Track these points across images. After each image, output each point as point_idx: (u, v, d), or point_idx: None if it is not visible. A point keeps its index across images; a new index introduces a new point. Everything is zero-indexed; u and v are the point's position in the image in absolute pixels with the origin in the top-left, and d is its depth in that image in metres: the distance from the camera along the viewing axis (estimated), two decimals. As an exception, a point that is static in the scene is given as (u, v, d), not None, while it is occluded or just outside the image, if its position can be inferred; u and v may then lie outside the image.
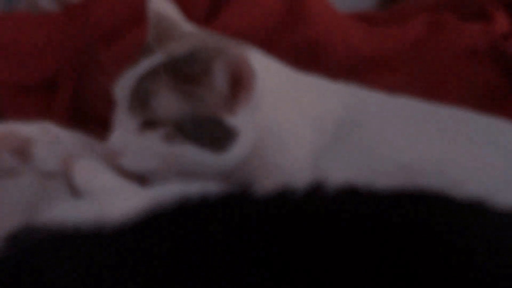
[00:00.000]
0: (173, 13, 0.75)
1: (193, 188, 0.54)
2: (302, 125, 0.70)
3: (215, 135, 0.65)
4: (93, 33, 0.93)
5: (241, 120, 0.66)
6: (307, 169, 0.67)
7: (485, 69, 0.97)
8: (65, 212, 0.57)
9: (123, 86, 0.66)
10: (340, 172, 0.65)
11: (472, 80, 0.96)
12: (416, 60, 0.99)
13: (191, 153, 0.64)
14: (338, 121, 0.71)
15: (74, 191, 0.67)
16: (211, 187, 0.55)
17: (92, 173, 0.67)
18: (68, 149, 0.71)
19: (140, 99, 0.64)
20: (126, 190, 0.63)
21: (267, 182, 0.65)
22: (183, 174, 0.67)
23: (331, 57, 0.98)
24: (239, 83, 0.64)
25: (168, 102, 0.64)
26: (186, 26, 0.75)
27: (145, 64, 0.66)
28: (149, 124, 0.65)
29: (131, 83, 0.65)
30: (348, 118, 0.70)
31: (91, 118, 0.89)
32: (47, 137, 0.70)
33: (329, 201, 0.48)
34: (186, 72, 0.64)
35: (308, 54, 0.99)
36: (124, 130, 0.66)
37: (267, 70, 0.72)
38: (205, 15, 1.04)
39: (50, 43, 0.90)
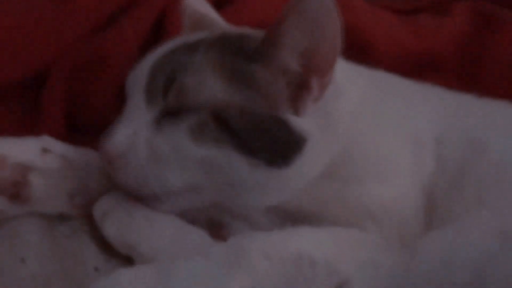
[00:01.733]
0: (210, 11, 0.60)
1: None
2: (397, 145, 0.53)
3: (273, 139, 0.45)
4: (87, 17, 0.71)
5: (310, 123, 0.47)
6: (419, 208, 0.50)
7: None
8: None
9: (140, 68, 0.47)
10: (467, 213, 0.48)
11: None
12: (467, 58, 0.86)
13: (232, 162, 0.45)
14: (442, 141, 0.55)
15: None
16: None
17: (129, 219, 0.45)
18: (81, 178, 0.49)
19: (163, 78, 0.45)
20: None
21: (365, 226, 0.48)
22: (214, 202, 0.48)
23: (374, 53, 0.83)
24: (316, 62, 0.46)
25: (206, 81, 0.44)
26: (227, 26, 0.59)
27: (176, 41, 0.49)
28: (171, 115, 0.45)
29: (152, 62, 0.47)
30: (460, 138, 0.54)
31: (91, 127, 0.67)
32: (47, 162, 0.48)
33: None
34: (239, 46, 0.46)
35: (353, 53, 0.83)
36: (132, 124, 0.46)
37: (344, 70, 0.54)
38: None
39: (34, 29, 0.66)
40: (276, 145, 0.45)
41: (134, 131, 0.45)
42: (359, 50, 0.82)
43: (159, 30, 0.75)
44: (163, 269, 0.40)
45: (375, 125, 0.53)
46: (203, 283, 0.39)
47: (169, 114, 0.45)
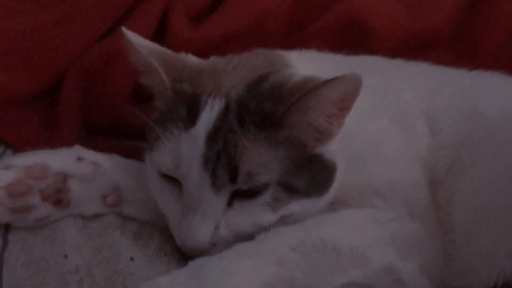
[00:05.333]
0: (156, 46, 0.60)
1: None
2: (388, 126, 0.62)
3: (317, 176, 0.54)
4: (92, 24, 0.77)
5: (334, 148, 0.55)
6: (421, 181, 0.58)
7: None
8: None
9: (186, 157, 0.51)
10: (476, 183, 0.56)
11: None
12: (464, 34, 0.92)
13: (298, 207, 0.53)
14: (433, 115, 0.62)
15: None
16: None
17: None
18: (111, 180, 0.59)
19: (227, 169, 0.50)
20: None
21: (375, 204, 0.55)
22: None
23: (373, 36, 0.89)
24: (337, 112, 0.53)
25: (264, 163, 0.51)
26: (184, 55, 0.61)
27: (206, 121, 0.52)
28: (242, 195, 0.51)
29: (198, 151, 0.51)
30: (453, 110, 0.62)
31: (106, 127, 0.75)
32: (83, 168, 0.57)
33: None
34: (267, 114, 0.51)
35: (348, 35, 0.90)
36: (207, 214, 0.51)
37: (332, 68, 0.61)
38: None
39: (43, 41, 0.73)
40: (320, 180, 0.54)
41: (214, 223, 0.51)
42: (358, 34, 0.88)
43: (163, 29, 0.82)
44: (196, 268, 0.48)
45: (365, 110, 0.60)
46: (235, 275, 0.47)
47: (238, 195, 0.51)
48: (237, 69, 0.57)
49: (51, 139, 0.71)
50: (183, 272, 0.48)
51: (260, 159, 0.50)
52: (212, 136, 0.51)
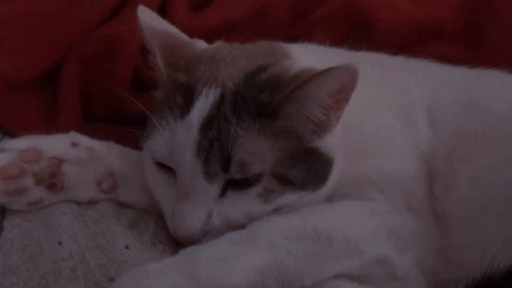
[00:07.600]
0: (168, 26, 0.60)
1: None
2: (388, 119, 0.62)
3: (313, 168, 0.53)
4: (92, 9, 0.77)
5: (332, 141, 0.55)
6: (419, 174, 0.58)
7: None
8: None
9: (180, 145, 0.51)
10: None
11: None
12: (469, 24, 0.91)
13: (293, 200, 0.53)
14: (433, 109, 0.63)
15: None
16: None
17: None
18: (107, 166, 0.59)
19: (219, 156, 0.50)
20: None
21: (372, 197, 0.55)
22: None
23: (376, 25, 0.89)
24: (334, 104, 0.53)
25: (259, 149, 0.51)
26: (194, 41, 0.62)
27: (200, 109, 0.52)
28: (234, 185, 0.52)
29: (192, 138, 0.51)
30: (453, 103, 0.62)
31: (105, 114, 0.75)
32: (78, 154, 0.57)
33: None
34: (262, 104, 0.51)
35: (351, 24, 0.90)
36: (199, 202, 0.51)
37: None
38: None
39: (47, 22, 0.73)
40: (316, 174, 0.54)
41: (207, 211, 0.51)
42: (361, 24, 0.88)
43: (163, 16, 0.82)
44: (187, 255, 0.48)
45: (367, 103, 0.60)
46: (226, 261, 0.47)
47: (232, 184, 0.52)
48: (236, 59, 0.57)
49: (50, 125, 0.70)
50: (174, 259, 0.49)
51: (254, 148, 0.51)
52: (206, 125, 0.51)
